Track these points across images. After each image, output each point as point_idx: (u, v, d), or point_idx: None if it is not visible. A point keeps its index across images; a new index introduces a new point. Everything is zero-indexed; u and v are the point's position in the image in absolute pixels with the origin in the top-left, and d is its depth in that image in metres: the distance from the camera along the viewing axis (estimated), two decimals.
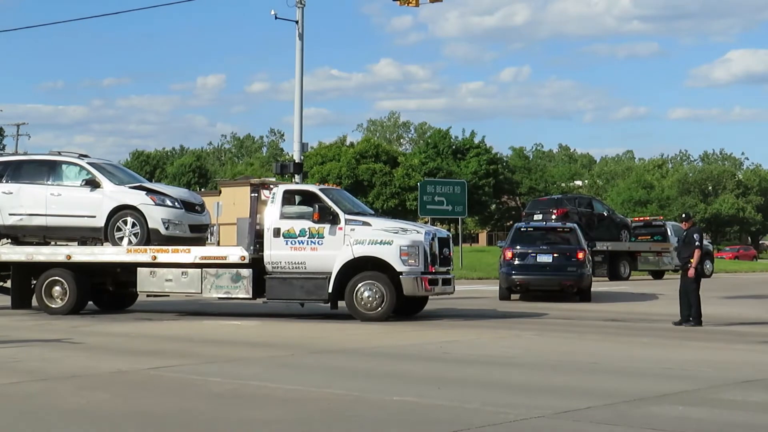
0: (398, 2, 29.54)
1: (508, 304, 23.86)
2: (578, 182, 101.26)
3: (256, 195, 19.87)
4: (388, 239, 18.38)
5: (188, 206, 20.51)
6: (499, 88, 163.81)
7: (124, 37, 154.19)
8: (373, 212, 20.98)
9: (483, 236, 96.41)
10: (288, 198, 19.33)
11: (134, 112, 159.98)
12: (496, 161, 79.24)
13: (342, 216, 18.66)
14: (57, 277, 20.12)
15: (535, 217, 32.98)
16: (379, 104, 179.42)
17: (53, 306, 20.06)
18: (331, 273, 18.42)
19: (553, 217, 32.38)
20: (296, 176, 31.23)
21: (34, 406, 9.10)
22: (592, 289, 25.52)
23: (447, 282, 19.21)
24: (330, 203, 18.84)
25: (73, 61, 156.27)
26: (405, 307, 19.52)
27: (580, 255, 24.40)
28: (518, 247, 24.97)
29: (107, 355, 13.20)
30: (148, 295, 20.98)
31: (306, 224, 18.73)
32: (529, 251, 24.68)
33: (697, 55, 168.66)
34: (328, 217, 18.64)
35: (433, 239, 18.76)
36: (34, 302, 20.63)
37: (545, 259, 24.52)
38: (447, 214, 42.53)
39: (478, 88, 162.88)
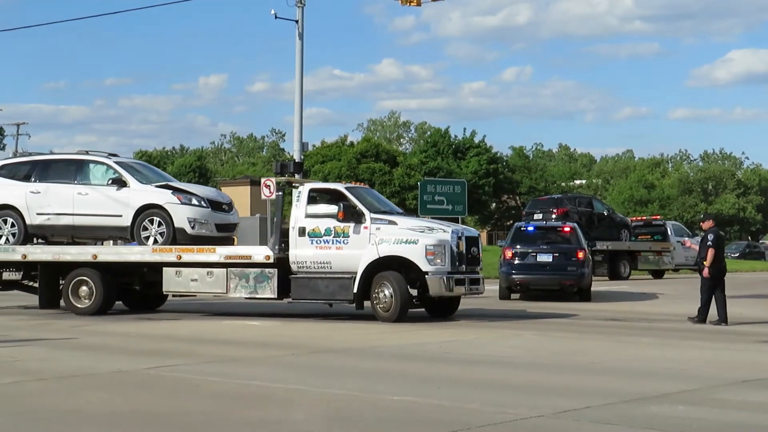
0: (400, 1, 29.58)
1: (508, 303, 23.85)
2: (578, 182, 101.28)
3: (282, 193, 19.57)
4: (414, 238, 17.99)
5: (215, 205, 20.25)
6: (501, 88, 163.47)
7: (127, 37, 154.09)
8: (401, 211, 20.63)
9: (483, 236, 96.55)
10: (313, 197, 19.02)
11: (136, 111, 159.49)
12: (496, 161, 79.16)
13: (367, 215, 18.31)
14: (84, 277, 19.95)
15: (535, 216, 32.95)
16: (380, 104, 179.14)
17: (80, 306, 19.88)
18: (356, 273, 18.07)
19: (553, 216, 32.35)
20: (296, 175, 31.25)
21: (34, 406, 9.10)
22: (592, 288, 25.51)
23: (475, 282, 18.72)
24: (356, 202, 18.50)
25: (75, 61, 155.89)
26: (438, 308, 19.26)
27: (580, 254, 24.39)
28: (518, 246, 24.96)
29: (107, 355, 13.20)
30: (173, 295, 20.83)
31: (331, 223, 18.40)
32: (529, 251, 24.67)
33: (698, 55, 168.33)
34: (353, 215, 18.29)
35: (460, 238, 18.36)
36: (62, 302, 20.52)
37: (545, 258, 24.51)
38: (447, 214, 42.49)
39: (480, 88, 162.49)
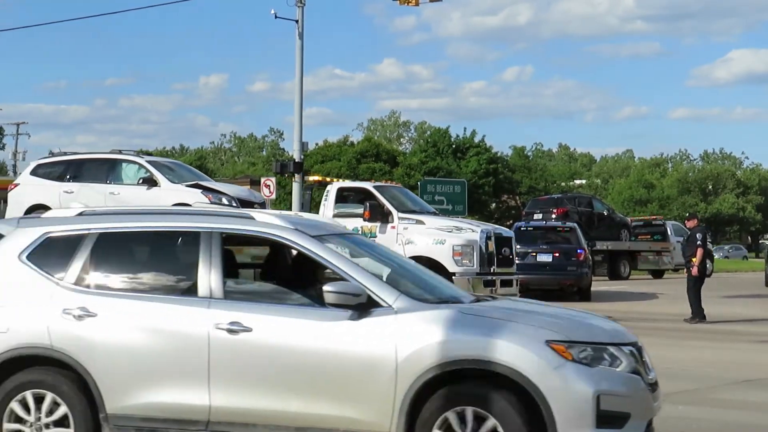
0: (398, 2, 29.62)
1: None
2: (578, 181, 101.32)
3: (310, 192, 19.17)
4: (441, 238, 17.39)
5: (246, 205, 19.20)
6: (502, 88, 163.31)
7: (127, 37, 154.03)
8: (433, 210, 20.00)
9: None
10: (342, 196, 18.54)
11: (136, 111, 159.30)
12: (496, 160, 79.18)
13: (395, 214, 17.79)
14: None
15: (535, 216, 32.95)
16: (381, 104, 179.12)
17: None
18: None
19: (553, 216, 32.35)
20: (296, 175, 31.24)
21: None
22: (592, 288, 25.51)
23: (507, 283, 18.08)
24: (383, 201, 17.97)
25: (75, 60, 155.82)
26: None
27: (580, 255, 24.39)
28: (518, 246, 24.90)
29: None
30: None
31: (359, 223, 17.76)
32: (529, 251, 24.65)
33: (698, 54, 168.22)
34: (380, 215, 17.74)
35: (489, 238, 17.70)
36: None
37: (545, 258, 24.51)
38: (447, 214, 42.53)
39: (481, 88, 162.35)
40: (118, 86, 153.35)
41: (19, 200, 20.79)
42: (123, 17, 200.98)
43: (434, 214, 19.42)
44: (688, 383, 10.55)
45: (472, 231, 17.72)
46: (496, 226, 20.31)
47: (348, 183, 20.55)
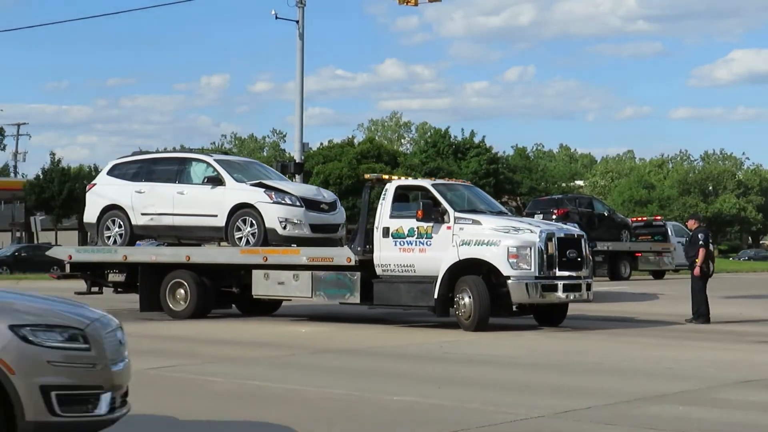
0: (398, 1, 29.66)
1: None
2: (579, 182, 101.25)
3: (369, 191, 18.22)
4: (496, 239, 16.31)
5: (311, 204, 18.97)
6: (504, 88, 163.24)
7: (129, 38, 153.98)
8: (501, 210, 18.64)
9: None
10: (400, 194, 17.68)
11: (138, 111, 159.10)
12: (497, 161, 79.10)
13: (451, 213, 16.73)
14: (180, 279, 19.17)
15: (536, 217, 32.91)
16: (383, 104, 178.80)
17: (176, 309, 19.07)
18: (437, 277, 16.53)
19: (554, 217, 32.31)
20: (296, 176, 31.27)
21: None
22: (593, 289, 25.46)
23: (573, 288, 16.79)
24: (440, 199, 16.97)
25: (77, 61, 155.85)
26: (545, 315, 17.72)
27: None
28: None
29: None
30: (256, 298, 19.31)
31: (414, 223, 16.93)
32: None
33: (700, 54, 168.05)
34: (435, 214, 16.76)
35: (550, 239, 16.46)
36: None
37: None
38: None
39: (483, 88, 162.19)
40: (119, 86, 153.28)
41: (95, 200, 20.76)
42: (124, 17, 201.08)
43: (500, 213, 18.10)
44: (688, 383, 10.56)
45: (531, 231, 16.52)
46: (564, 225, 19.02)
47: (407, 181, 19.71)
